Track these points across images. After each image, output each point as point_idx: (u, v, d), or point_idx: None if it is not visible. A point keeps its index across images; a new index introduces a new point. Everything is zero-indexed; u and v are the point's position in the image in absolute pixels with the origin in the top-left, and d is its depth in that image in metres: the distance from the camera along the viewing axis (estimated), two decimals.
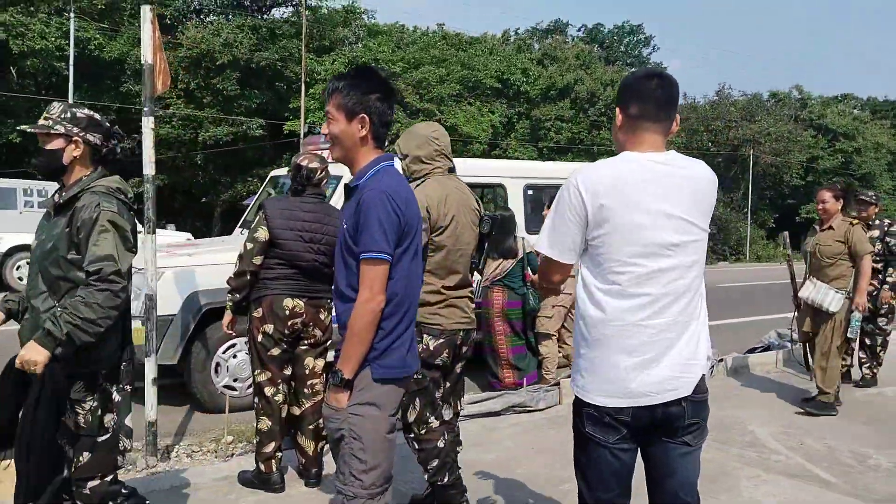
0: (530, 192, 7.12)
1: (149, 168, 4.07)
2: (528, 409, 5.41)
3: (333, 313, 3.24)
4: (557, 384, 5.68)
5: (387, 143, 2.40)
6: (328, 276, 3.68)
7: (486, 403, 5.31)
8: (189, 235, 13.87)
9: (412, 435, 3.29)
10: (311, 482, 3.86)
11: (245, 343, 4.70)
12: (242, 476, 3.86)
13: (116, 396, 2.77)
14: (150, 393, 4.19)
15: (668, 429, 2.21)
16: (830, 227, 5.56)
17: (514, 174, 7.16)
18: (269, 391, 3.75)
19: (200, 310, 5.32)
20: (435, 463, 3.26)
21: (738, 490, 3.95)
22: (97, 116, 2.84)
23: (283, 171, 7.37)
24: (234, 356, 5.51)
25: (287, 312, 3.68)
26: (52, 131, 2.69)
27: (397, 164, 2.56)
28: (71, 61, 19.93)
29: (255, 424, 3.88)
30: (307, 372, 3.85)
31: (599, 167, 2.18)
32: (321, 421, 3.52)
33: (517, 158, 24.87)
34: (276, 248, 3.68)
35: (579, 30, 47.18)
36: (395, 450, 2.36)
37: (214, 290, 5.21)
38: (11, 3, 21.03)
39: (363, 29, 28.14)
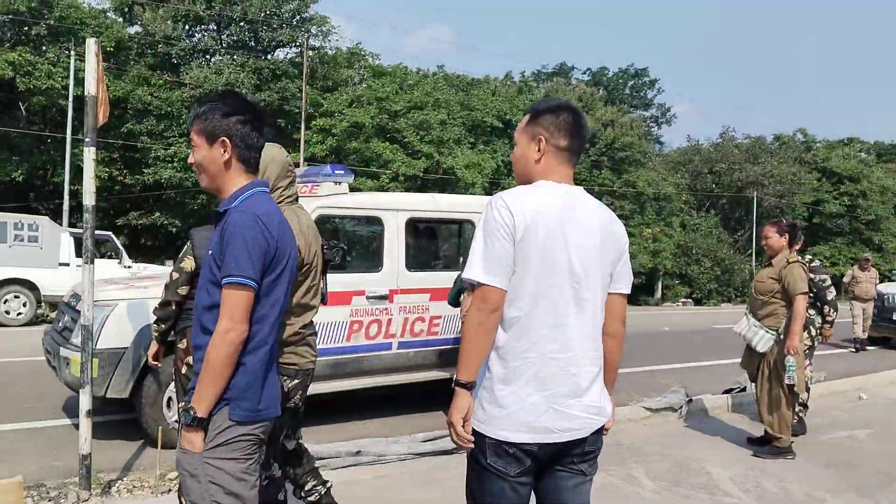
0: (416, 225, 6.63)
1: (88, 198, 4.06)
2: None
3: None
4: None
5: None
6: None
7: (439, 442, 5.20)
8: (136, 268, 13.84)
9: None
10: None
11: None
12: None
13: None
14: (84, 425, 4.12)
15: (566, 457, 2.17)
16: (770, 264, 5.44)
17: (395, 207, 6.28)
18: None
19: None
20: None
21: None
22: None
23: None
24: None
25: None
26: None
27: None
28: (70, 100, 20.27)
29: None
30: None
31: (521, 193, 2.15)
32: None
33: None
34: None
35: (584, 73, 47.70)
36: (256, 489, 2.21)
37: None
38: (20, 42, 21.54)
39: (367, 70, 28.54)
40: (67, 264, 13.32)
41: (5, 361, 8.79)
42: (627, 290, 2.27)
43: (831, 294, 6.40)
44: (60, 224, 18.13)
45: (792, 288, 5.13)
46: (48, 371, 5.96)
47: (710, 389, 7.52)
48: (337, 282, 5.43)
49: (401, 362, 6.22)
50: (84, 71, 19.39)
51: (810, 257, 6.46)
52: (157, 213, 22.76)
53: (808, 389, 6.11)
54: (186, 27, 25.44)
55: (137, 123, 22.20)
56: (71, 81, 20.32)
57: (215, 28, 26.05)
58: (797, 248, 5.61)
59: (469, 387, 2.09)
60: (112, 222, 22.15)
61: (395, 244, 6.14)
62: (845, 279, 13.33)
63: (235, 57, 24.60)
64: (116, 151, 22.09)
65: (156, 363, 3.97)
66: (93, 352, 4.26)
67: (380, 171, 23.54)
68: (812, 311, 5.99)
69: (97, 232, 15.68)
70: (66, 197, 20.34)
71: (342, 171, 6.14)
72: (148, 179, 21.88)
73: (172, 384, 5.36)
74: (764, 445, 5.41)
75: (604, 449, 2.29)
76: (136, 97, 22.01)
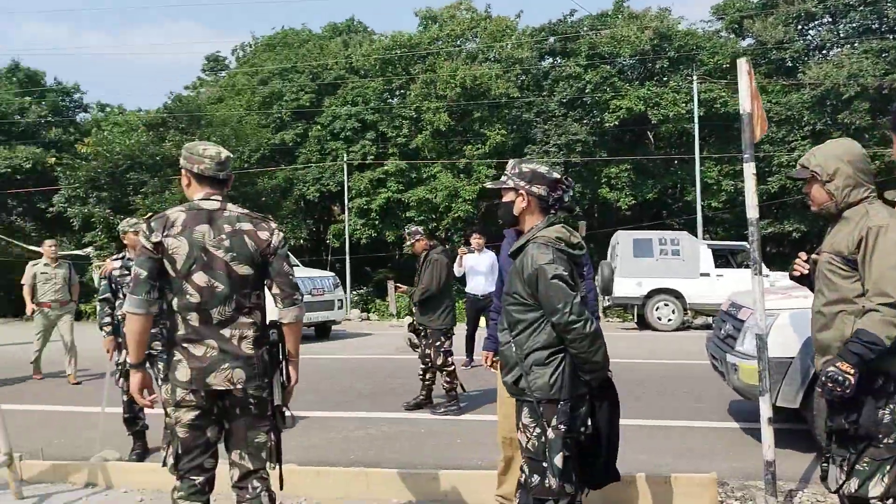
0: None
1: (752, 212, 4.20)
2: None
3: None
4: None
5: None
6: None
7: None
8: (773, 277, 13.17)
9: None
10: None
11: None
12: None
13: (550, 433, 2.80)
14: (767, 432, 4.19)
15: None
16: None
17: None
18: None
19: None
20: None
21: None
22: (541, 169, 2.95)
23: None
24: None
25: None
26: (504, 185, 2.99)
27: None
28: (696, 120, 21.58)
29: None
30: None
31: None
32: None
33: None
34: None
35: None
36: None
37: None
38: (646, 78, 24.13)
39: None
40: (708, 274, 14.21)
41: (671, 363, 9.74)
42: None
43: None
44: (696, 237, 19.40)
45: None
46: (704, 374, 6.32)
47: None
48: None
49: None
50: (703, 92, 20.60)
51: None
52: (786, 221, 22.59)
53: None
54: (798, 27, 24.68)
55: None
56: (695, 105, 21.68)
57: (830, 20, 24.66)
58: None
59: None
60: (739, 232, 22.68)
61: None
62: None
63: (856, 45, 22.68)
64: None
65: None
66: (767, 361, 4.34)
67: None
68: None
69: (734, 243, 16.27)
70: (700, 211, 21.43)
71: None
72: (772, 188, 21.86)
73: None
74: None
75: None
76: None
